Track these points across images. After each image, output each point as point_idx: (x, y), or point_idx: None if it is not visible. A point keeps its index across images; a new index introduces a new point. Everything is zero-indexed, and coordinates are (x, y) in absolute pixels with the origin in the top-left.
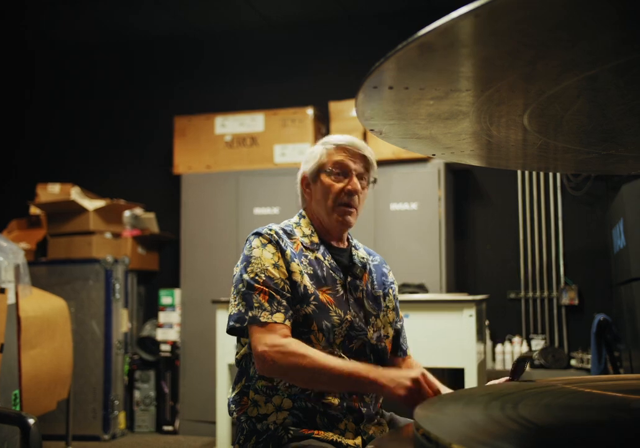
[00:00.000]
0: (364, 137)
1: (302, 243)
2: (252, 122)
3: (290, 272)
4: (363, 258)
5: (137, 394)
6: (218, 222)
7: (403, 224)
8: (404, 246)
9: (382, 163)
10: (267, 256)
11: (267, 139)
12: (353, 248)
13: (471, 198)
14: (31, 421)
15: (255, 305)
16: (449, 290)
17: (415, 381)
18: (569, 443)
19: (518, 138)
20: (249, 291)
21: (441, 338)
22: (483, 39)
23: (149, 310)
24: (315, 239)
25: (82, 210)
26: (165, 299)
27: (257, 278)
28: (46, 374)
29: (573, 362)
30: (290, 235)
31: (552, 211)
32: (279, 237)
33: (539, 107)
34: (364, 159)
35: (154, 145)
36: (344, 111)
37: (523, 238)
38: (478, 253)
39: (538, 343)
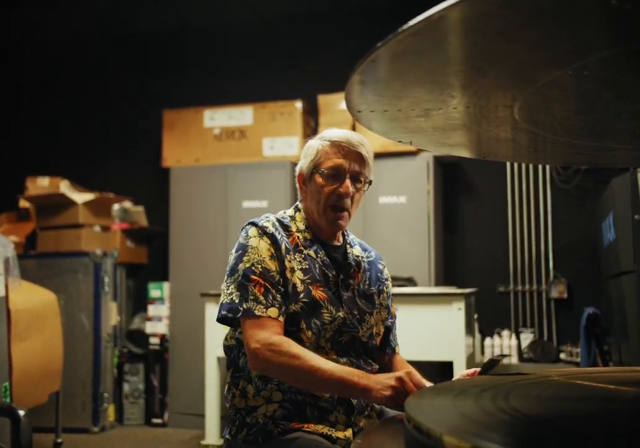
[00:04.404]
0: (353, 129)
1: (297, 238)
2: (241, 116)
3: (284, 267)
4: (358, 256)
5: (126, 387)
6: (207, 215)
7: (392, 218)
8: (392, 239)
9: None
10: (263, 246)
11: (256, 132)
12: (348, 246)
13: (460, 192)
14: (21, 413)
15: (251, 297)
16: (438, 284)
17: (399, 380)
18: (560, 435)
19: (508, 131)
20: (245, 281)
21: (430, 331)
22: (465, 32)
23: (138, 303)
24: (309, 235)
25: (71, 203)
26: (154, 292)
27: (253, 268)
28: (37, 367)
29: (562, 356)
30: (286, 228)
31: (541, 204)
32: (276, 229)
33: (528, 101)
34: (359, 158)
35: (143, 138)
36: (333, 104)
37: (512, 232)
38: (467, 247)
39: (527, 337)
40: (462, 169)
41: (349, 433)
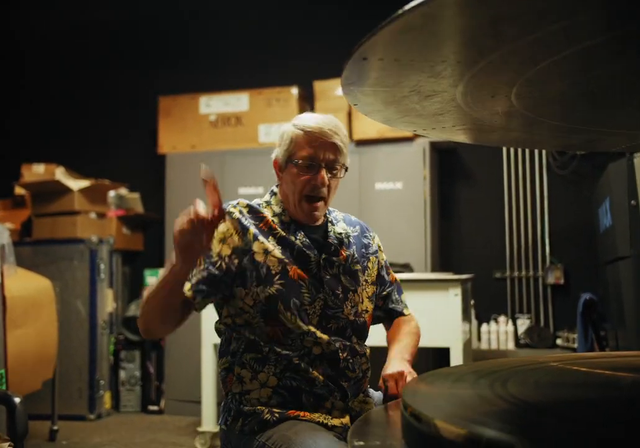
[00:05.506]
0: (349, 115)
1: (272, 221)
2: (236, 102)
3: (252, 251)
4: (340, 233)
5: (122, 374)
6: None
7: (388, 204)
8: (389, 225)
9: (367, 143)
10: (221, 228)
11: (251, 118)
12: (330, 224)
13: (457, 178)
14: (17, 400)
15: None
16: (435, 270)
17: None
18: (559, 421)
19: (505, 115)
20: None
21: (427, 317)
22: (461, 16)
23: (134, 290)
24: (286, 218)
25: (66, 190)
26: (150, 279)
27: None
28: (31, 354)
29: (559, 341)
30: (257, 212)
31: (537, 190)
32: (242, 214)
33: (525, 85)
34: (333, 147)
35: (139, 125)
36: (329, 90)
37: (509, 217)
38: (463, 233)
39: (524, 323)
40: (458, 155)
41: (345, 419)
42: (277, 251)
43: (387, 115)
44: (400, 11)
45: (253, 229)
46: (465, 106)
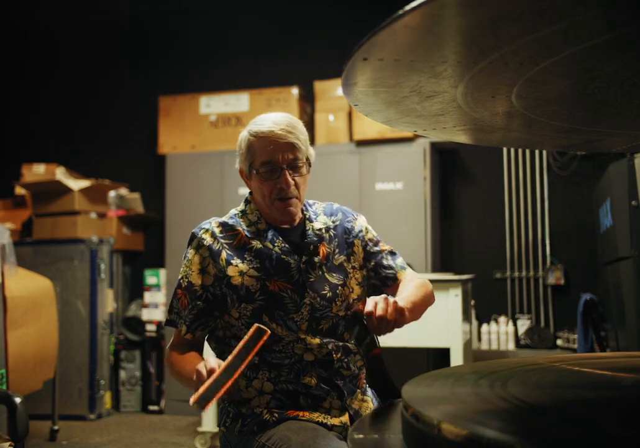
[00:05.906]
0: (349, 115)
1: (247, 234)
2: (237, 102)
3: (227, 277)
4: (320, 228)
5: (122, 374)
6: (203, 202)
7: (388, 204)
8: (389, 226)
9: (367, 143)
10: (196, 260)
11: (252, 118)
12: (307, 221)
13: (457, 178)
14: (17, 400)
15: (175, 309)
16: (435, 270)
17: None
18: (559, 421)
19: (505, 116)
20: (175, 292)
21: (427, 317)
22: (462, 16)
23: (134, 290)
24: (262, 225)
25: (67, 190)
26: (150, 279)
27: (181, 281)
28: (32, 354)
29: (559, 342)
30: (231, 229)
31: (538, 190)
32: (215, 238)
33: (525, 86)
34: (290, 146)
35: (139, 125)
36: (329, 90)
37: (509, 218)
38: (464, 233)
39: (524, 323)
40: (458, 155)
41: (345, 418)
42: (252, 270)
43: (387, 115)
44: (400, 11)
45: (225, 254)
46: (466, 107)
